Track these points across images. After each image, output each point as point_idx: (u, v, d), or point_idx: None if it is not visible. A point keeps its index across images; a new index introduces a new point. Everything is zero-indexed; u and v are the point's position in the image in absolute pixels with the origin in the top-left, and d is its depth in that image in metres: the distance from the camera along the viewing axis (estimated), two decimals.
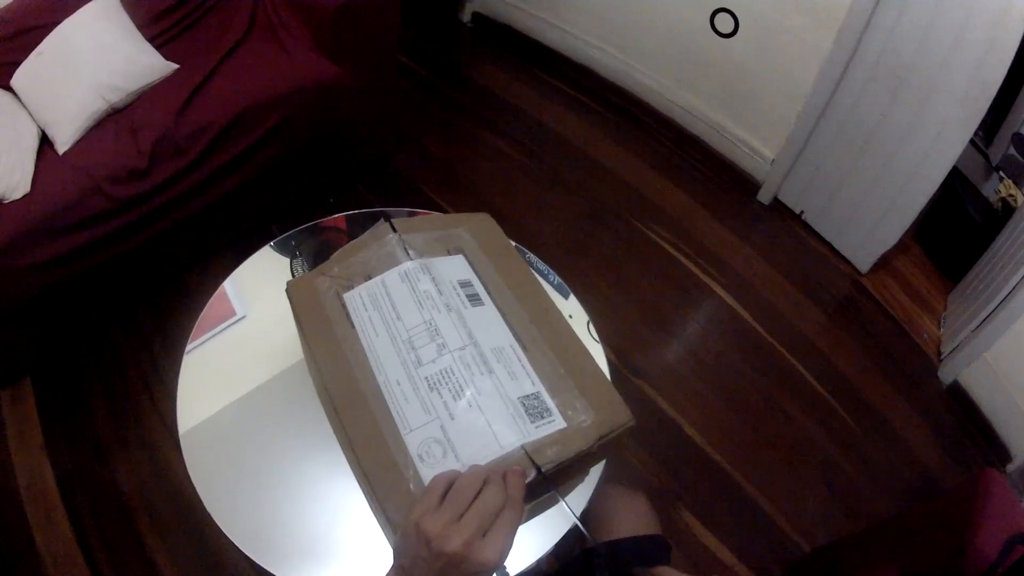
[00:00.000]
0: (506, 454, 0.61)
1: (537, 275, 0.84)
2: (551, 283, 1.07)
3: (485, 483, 0.51)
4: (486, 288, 0.77)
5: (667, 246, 2.02)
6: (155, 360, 1.73)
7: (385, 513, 0.59)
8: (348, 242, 0.82)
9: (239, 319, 0.99)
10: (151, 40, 1.76)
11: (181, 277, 1.90)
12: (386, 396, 0.67)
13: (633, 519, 0.88)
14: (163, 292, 1.86)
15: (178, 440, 0.85)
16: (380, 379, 0.68)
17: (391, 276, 0.76)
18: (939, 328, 1.89)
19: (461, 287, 0.76)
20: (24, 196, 1.57)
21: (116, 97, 1.66)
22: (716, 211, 2.13)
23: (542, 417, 0.65)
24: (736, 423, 1.67)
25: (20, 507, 1.57)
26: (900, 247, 1.95)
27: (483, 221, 0.88)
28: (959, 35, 1.47)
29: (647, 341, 1.82)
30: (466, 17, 2.90)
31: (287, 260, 1.06)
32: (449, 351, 0.69)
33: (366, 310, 0.74)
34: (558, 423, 0.64)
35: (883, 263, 1.96)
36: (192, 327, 0.97)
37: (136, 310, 1.85)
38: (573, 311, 1.02)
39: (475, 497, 0.50)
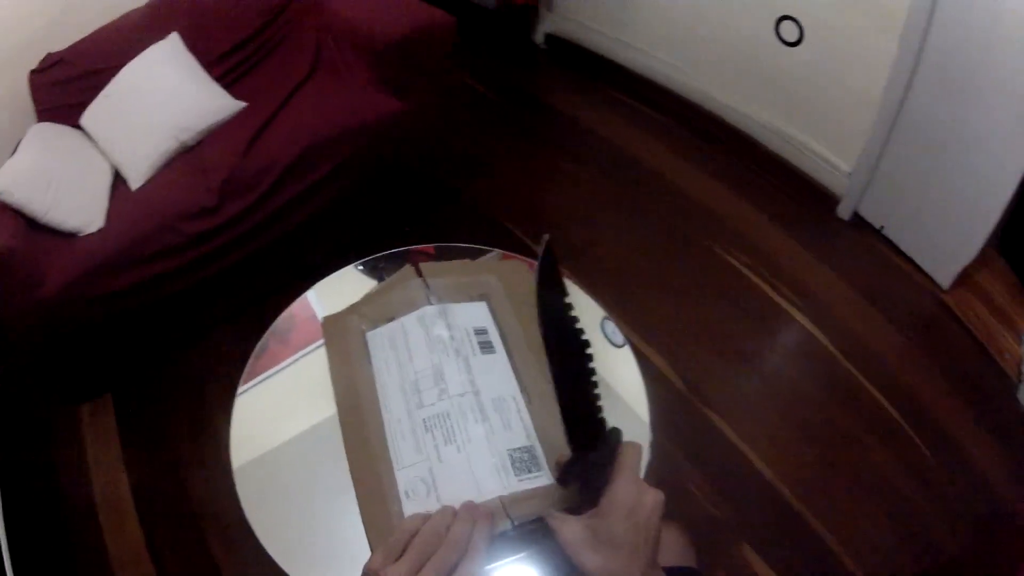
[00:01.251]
0: (484, 502, 0.64)
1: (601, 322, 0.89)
2: (605, 334, 0.97)
3: (448, 529, 0.54)
4: (503, 336, 0.82)
5: (745, 270, 2.05)
6: (232, 380, 1.89)
7: (369, 542, 0.66)
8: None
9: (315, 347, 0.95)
10: (217, 79, 1.96)
11: (262, 301, 2.06)
12: (387, 432, 0.74)
13: (664, 551, 0.89)
14: (242, 315, 2.05)
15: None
16: (385, 416, 0.75)
17: (410, 319, 0.84)
18: (1020, 345, 1.79)
19: (476, 334, 0.81)
20: (99, 230, 1.79)
21: (187, 136, 1.87)
22: (795, 230, 2.14)
23: (528, 471, 0.68)
24: (807, 454, 1.67)
25: (94, 513, 1.77)
26: (983, 260, 1.89)
27: (515, 270, 0.93)
28: None
29: (721, 370, 1.85)
30: (539, 38, 3.05)
31: (374, 282, 1.06)
32: (449, 396, 0.75)
33: (384, 350, 0.82)
34: (544, 479, 0.67)
35: (965, 278, 1.90)
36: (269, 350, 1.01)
37: (216, 333, 2.06)
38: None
39: (437, 546, 0.53)
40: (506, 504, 0.64)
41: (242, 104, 1.92)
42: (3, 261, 1.60)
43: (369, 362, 0.81)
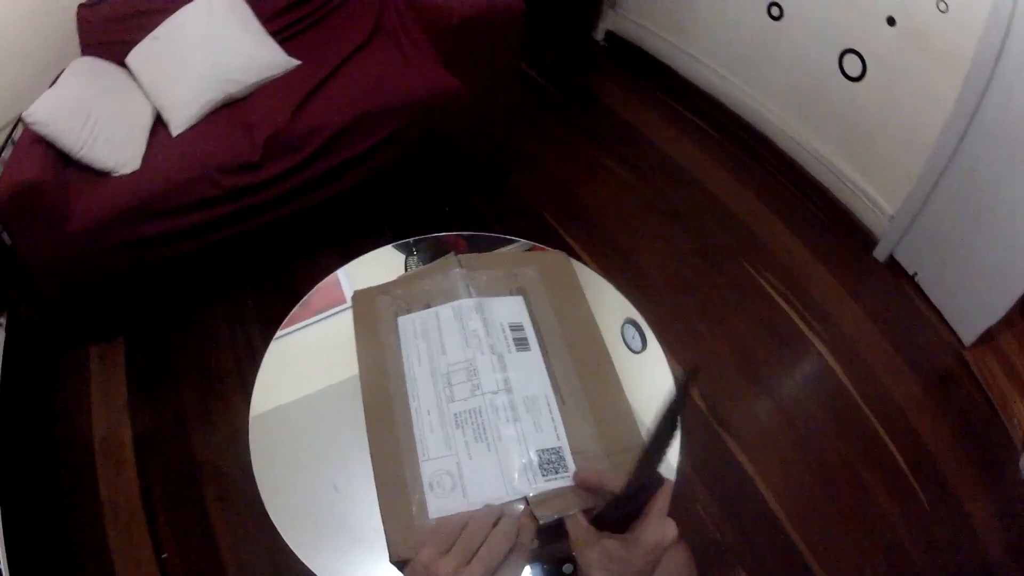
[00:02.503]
0: (511, 501, 0.68)
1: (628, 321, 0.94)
2: (624, 338, 1.02)
3: (495, 525, 0.59)
4: (538, 333, 0.86)
5: (775, 294, 2.14)
6: (251, 341, 1.99)
7: (384, 526, 0.70)
8: (467, 251, 0.96)
9: (347, 308, 1.04)
10: (273, 34, 2.00)
11: (290, 267, 2.15)
12: (414, 421, 0.77)
13: (671, 568, 0.92)
14: (269, 278, 2.13)
15: None
16: (413, 405, 0.79)
17: (445, 310, 0.87)
18: None
19: (511, 330, 0.85)
20: (133, 172, 1.83)
21: (235, 88, 1.91)
22: (830, 263, 2.23)
23: (556, 472, 0.71)
24: (814, 490, 1.76)
25: (91, 457, 1.84)
26: (1007, 322, 1.99)
27: (556, 261, 0.97)
28: None
29: (739, 391, 1.93)
30: (599, 35, 3.17)
31: (403, 257, 1.16)
32: (482, 393, 0.78)
33: (415, 337, 0.86)
34: (568, 480, 0.70)
35: (987, 337, 2.00)
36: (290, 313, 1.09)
37: (239, 292, 2.13)
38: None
39: (483, 541, 0.58)
40: (532, 503, 0.68)
41: (296, 62, 1.97)
42: (30, 192, 1.65)
43: (399, 347, 0.85)
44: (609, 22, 3.13)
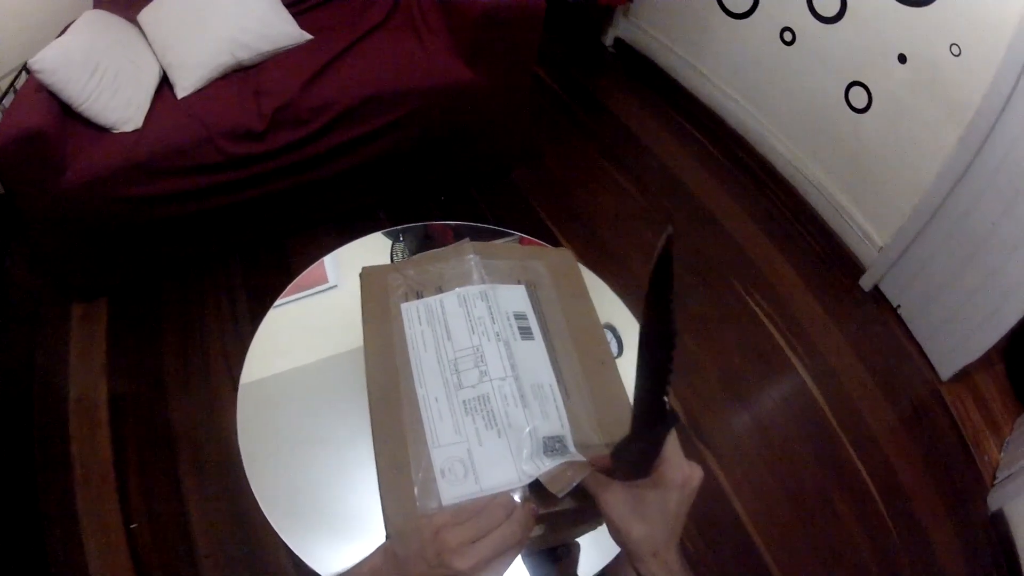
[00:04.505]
0: (523, 486, 0.71)
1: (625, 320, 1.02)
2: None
3: (509, 516, 0.62)
4: (543, 324, 0.89)
5: (762, 315, 2.27)
6: (236, 312, 2.06)
7: (382, 503, 0.72)
8: (453, 241, 0.98)
9: (329, 287, 1.18)
10: (288, 6, 2.07)
11: (281, 241, 2.23)
12: (422, 408, 0.80)
13: None
14: (260, 251, 2.21)
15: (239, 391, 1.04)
16: (420, 392, 0.81)
17: (450, 297, 0.90)
18: (1001, 452, 2.01)
19: (516, 318, 0.88)
20: (135, 130, 1.90)
21: (245, 55, 1.98)
22: (817, 289, 2.37)
23: (561, 456, 0.74)
24: (785, 510, 1.88)
25: (65, 417, 1.90)
26: (984, 361, 2.14)
27: (563, 258, 1.01)
28: None
29: (720, 407, 2.05)
30: (609, 41, 3.32)
31: (389, 243, 1.26)
32: (490, 379, 0.80)
33: (420, 324, 0.88)
34: (573, 457, 0.73)
35: (963, 374, 2.17)
36: (281, 289, 1.19)
37: (229, 261, 2.21)
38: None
39: (496, 526, 0.60)
40: (545, 481, 0.69)
41: (308, 36, 2.05)
42: (30, 140, 1.70)
43: (403, 332, 0.88)
44: (620, 29, 3.28)
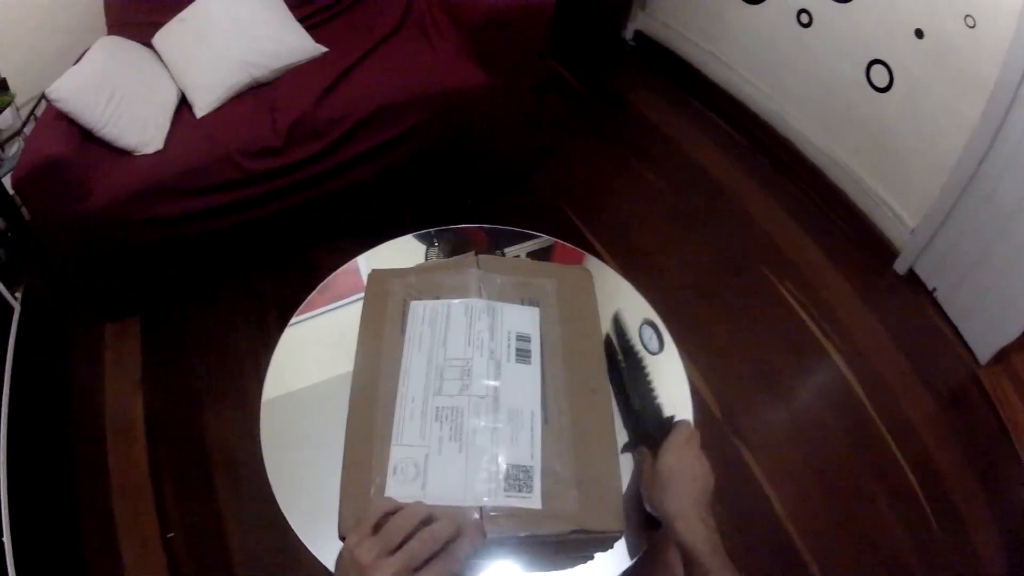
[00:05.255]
0: (465, 509, 0.73)
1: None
2: (642, 339, 1.12)
3: (423, 523, 0.61)
4: (542, 347, 0.91)
5: (794, 303, 2.28)
6: (266, 325, 2.14)
7: (340, 502, 0.76)
8: (486, 246, 1.06)
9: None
10: (301, 21, 2.17)
11: (308, 253, 2.31)
12: (397, 405, 0.83)
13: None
14: (287, 264, 2.29)
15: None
16: (401, 389, 0.85)
17: (457, 306, 0.93)
18: None
19: (517, 339, 0.90)
20: (156, 152, 1.98)
21: (261, 73, 2.07)
22: (850, 273, 2.38)
23: (519, 491, 0.76)
24: (822, 503, 1.88)
25: (102, 432, 2.00)
26: (1022, 343, 2.06)
27: (578, 277, 1.02)
28: None
29: (753, 396, 2.08)
30: (628, 35, 3.38)
31: (424, 247, 1.28)
32: (468, 394, 0.83)
33: (422, 324, 0.92)
34: (533, 502, 0.75)
35: (1002, 356, 2.14)
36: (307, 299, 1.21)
37: (256, 275, 2.30)
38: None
39: (410, 534, 0.60)
40: (485, 518, 0.73)
41: (323, 49, 2.11)
42: (51, 168, 1.79)
43: (402, 330, 0.92)
44: (639, 22, 3.33)
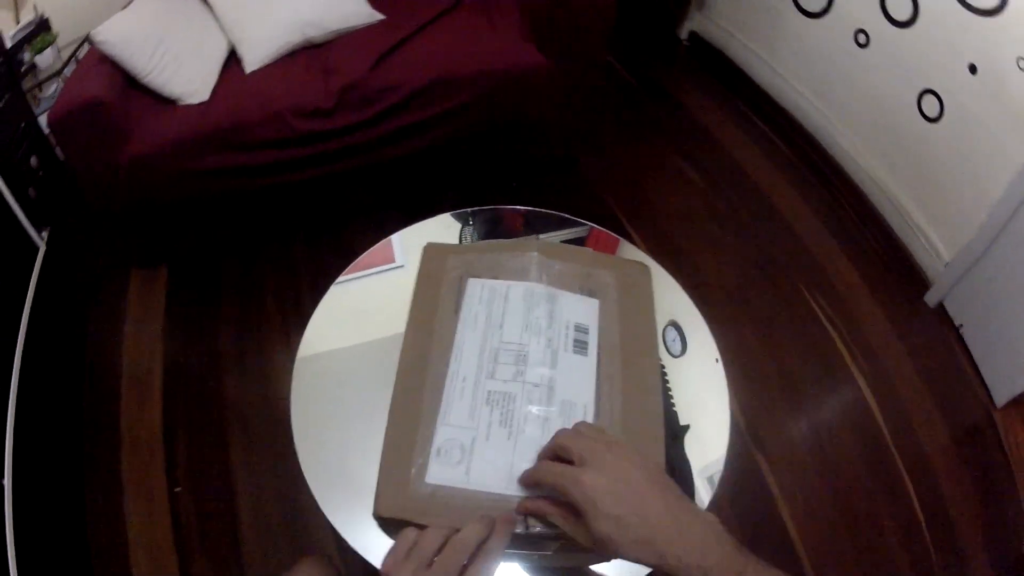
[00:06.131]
0: (509, 498, 0.73)
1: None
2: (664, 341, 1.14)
3: (459, 531, 0.64)
4: (599, 341, 0.91)
5: (825, 320, 2.35)
6: (298, 289, 2.18)
7: (378, 479, 0.76)
8: (523, 229, 1.06)
9: (395, 267, 1.20)
10: None
11: (346, 221, 2.34)
12: (446, 383, 0.84)
13: None
14: (324, 230, 2.34)
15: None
16: (452, 367, 0.86)
17: (517, 288, 0.94)
18: None
19: (576, 330, 0.91)
20: (201, 103, 1.98)
21: (315, 33, 2.08)
22: (882, 298, 2.44)
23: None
24: (832, 524, 1.93)
25: (117, 380, 2.04)
26: None
27: (637, 272, 1.02)
28: None
29: (777, 410, 2.13)
30: (683, 34, 3.47)
31: (459, 226, 1.31)
32: (523, 381, 0.84)
33: (479, 303, 0.93)
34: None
35: (1019, 401, 2.19)
36: (343, 268, 1.22)
37: (292, 239, 2.35)
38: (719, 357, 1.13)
39: (442, 546, 0.63)
40: (526, 508, 0.71)
41: (380, 16, 2.13)
42: (89, 110, 1.83)
43: (457, 307, 0.92)
44: (695, 23, 3.42)
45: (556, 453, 0.68)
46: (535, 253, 0.98)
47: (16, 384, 1.83)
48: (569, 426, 0.73)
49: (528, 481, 0.72)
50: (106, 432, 1.93)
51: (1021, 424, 2.20)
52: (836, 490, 1.98)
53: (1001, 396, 2.19)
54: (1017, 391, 2.14)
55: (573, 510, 0.62)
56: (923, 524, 1.95)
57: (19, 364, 1.86)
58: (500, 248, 1.01)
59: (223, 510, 1.79)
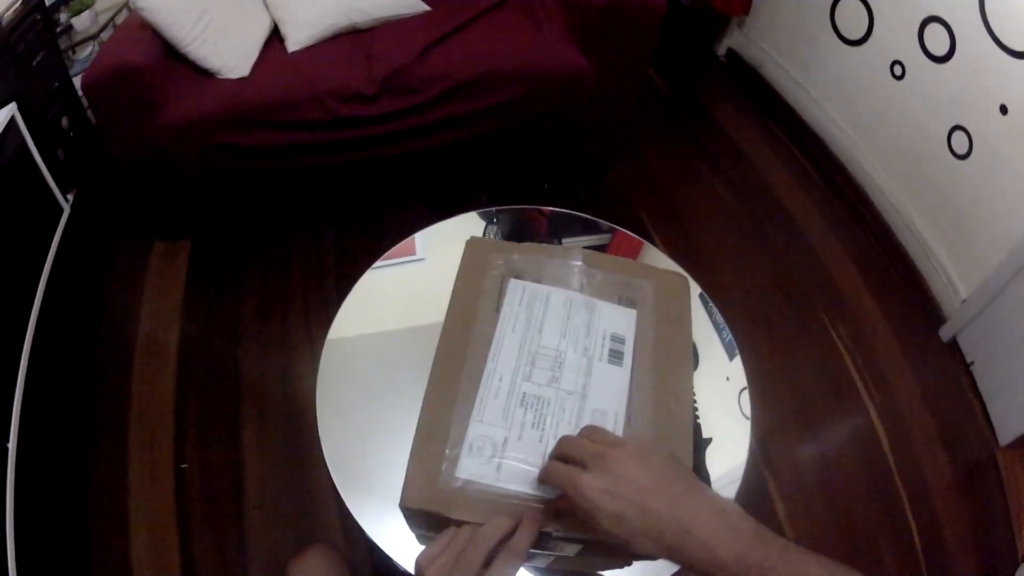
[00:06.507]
0: (536, 497, 0.74)
1: (714, 333, 1.14)
2: (723, 339, 1.25)
3: (480, 528, 0.67)
4: (634, 351, 0.92)
5: (841, 347, 2.39)
6: (322, 273, 2.19)
7: (408, 469, 0.77)
8: (546, 229, 1.07)
9: (416, 260, 1.27)
10: None
11: (378, 209, 2.39)
12: (483, 381, 0.85)
13: None
14: (354, 216, 2.37)
15: (317, 350, 1.13)
16: (489, 366, 0.87)
17: (557, 294, 0.96)
18: None
19: (612, 339, 0.92)
20: (240, 79, 1.98)
21: (360, 18, 2.11)
22: (898, 329, 2.48)
23: None
24: (831, 547, 1.97)
25: (131, 350, 2.05)
26: None
27: (675, 282, 1.03)
28: None
29: (789, 433, 2.17)
30: (721, 51, 3.55)
31: (483, 224, 1.35)
32: (558, 388, 0.86)
33: (519, 305, 0.94)
34: None
35: (1021, 442, 2.22)
36: (370, 255, 1.28)
37: (321, 223, 2.37)
38: (733, 375, 1.19)
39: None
40: (553, 509, 0.73)
41: (425, 7, 2.16)
42: (126, 75, 1.84)
43: (497, 306, 0.94)
44: (733, 40, 3.49)
45: (564, 456, 0.69)
46: (579, 262, 1.00)
47: (29, 347, 1.83)
48: None
49: (541, 479, 0.73)
50: (115, 401, 1.94)
51: (1022, 466, 2.24)
52: (838, 514, 2.01)
53: (1005, 435, 2.22)
54: (1021, 431, 2.16)
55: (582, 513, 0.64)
56: (920, 556, 1.98)
57: (34, 325, 1.87)
58: (544, 252, 1.03)
59: (230, 489, 1.81)
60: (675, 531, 0.58)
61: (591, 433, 0.71)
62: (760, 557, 0.58)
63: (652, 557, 0.61)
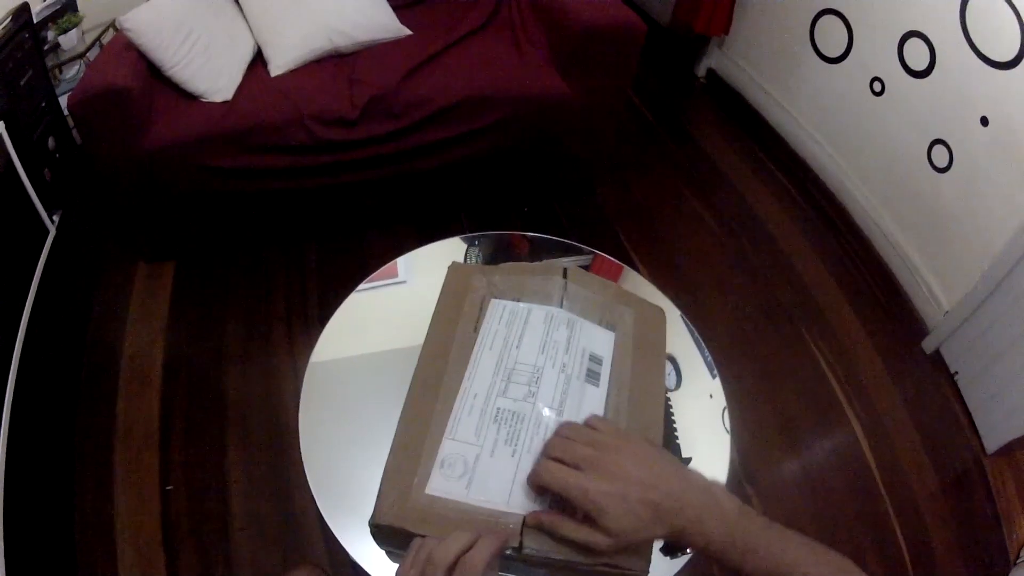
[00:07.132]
0: (507, 514, 0.75)
1: (695, 351, 1.15)
2: (704, 358, 1.25)
3: (438, 544, 0.66)
4: (611, 374, 0.93)
5: (824, 364, 2.44)
6: (305, 294, 2.25)
7: (380, 486, 0.79)
8: (528, 254, 1.11)
9: (397, 282, 1.30)
10: (389, 1, 2.22)
11: (360, 232, 2.44)
12: (457, 399, 0.87)
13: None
14: (337, 239, 2.42)
15: (300, 372, 1.22)
16: (465, 383, 0.88)
17: (538, 311, 0.97)
18: None
19: (590, 359, 0.93)
20: (224, 102, 2.03)
21: (343, 42, 2.17)
22: (880, 343, 2.54)
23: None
24: None
25: (116, 370, 2.10)
26: None
27: (653, 313, 1.06)
28: None
29: (772, 451, 2.21)
30: (701, 71, 3.63)
31: (464, 247, 1.38)
32: (533, 403, 0.86)
33: (498, 323, 0.96)
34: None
35: (1008, 450, 2.30)
36: (353, 277, 1.30)
37: (305, 245, 2.43)
38: (715, 392, 1.20)
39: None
40: (527, 526, 0.73)
41: (407, 32, 2.22)
42: (111, 96, 1.89)
43: (477, 327, 0.96)
44: (713, 60, 3.58)
45: (557, 458, 0.72)
46: (560, 279, 1.02)
47: (15, 367, 1.86)
48: None
49: (535, 481, 0.74)
50: (100, 421, 1.98)
51: (1010, 472, 2.27)
52: (823, 529, 2.04)
53: (992, 443, 2.27)
54: (1007, 439, 2.21)
55: (582, 516, 0.67)
56: (909, 568, 2.00)
57: (20, 347, 1.91)
58: (526, 271, 1.05)
59: (215, 509, 1.84)
60: (672, 511, 0.65)
61: (572, 434, 0.74)
62: (744, 532, 0.65)
63: (652, 538, 0.67)
